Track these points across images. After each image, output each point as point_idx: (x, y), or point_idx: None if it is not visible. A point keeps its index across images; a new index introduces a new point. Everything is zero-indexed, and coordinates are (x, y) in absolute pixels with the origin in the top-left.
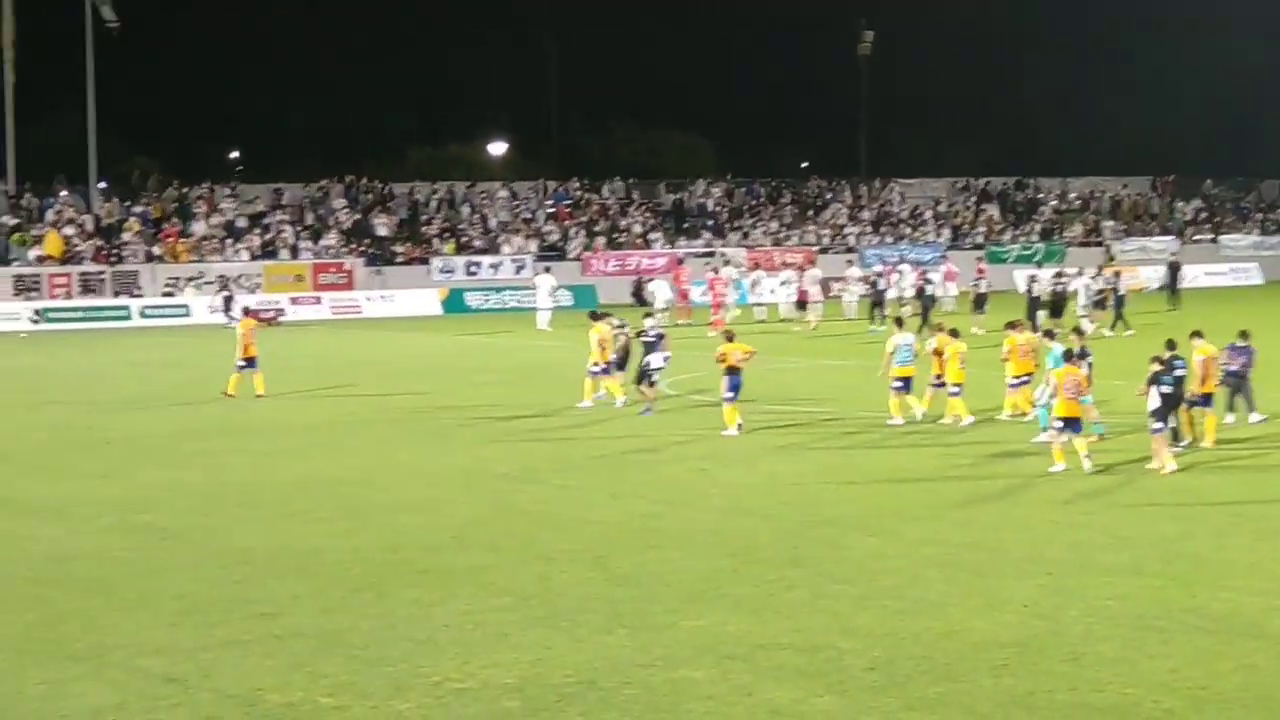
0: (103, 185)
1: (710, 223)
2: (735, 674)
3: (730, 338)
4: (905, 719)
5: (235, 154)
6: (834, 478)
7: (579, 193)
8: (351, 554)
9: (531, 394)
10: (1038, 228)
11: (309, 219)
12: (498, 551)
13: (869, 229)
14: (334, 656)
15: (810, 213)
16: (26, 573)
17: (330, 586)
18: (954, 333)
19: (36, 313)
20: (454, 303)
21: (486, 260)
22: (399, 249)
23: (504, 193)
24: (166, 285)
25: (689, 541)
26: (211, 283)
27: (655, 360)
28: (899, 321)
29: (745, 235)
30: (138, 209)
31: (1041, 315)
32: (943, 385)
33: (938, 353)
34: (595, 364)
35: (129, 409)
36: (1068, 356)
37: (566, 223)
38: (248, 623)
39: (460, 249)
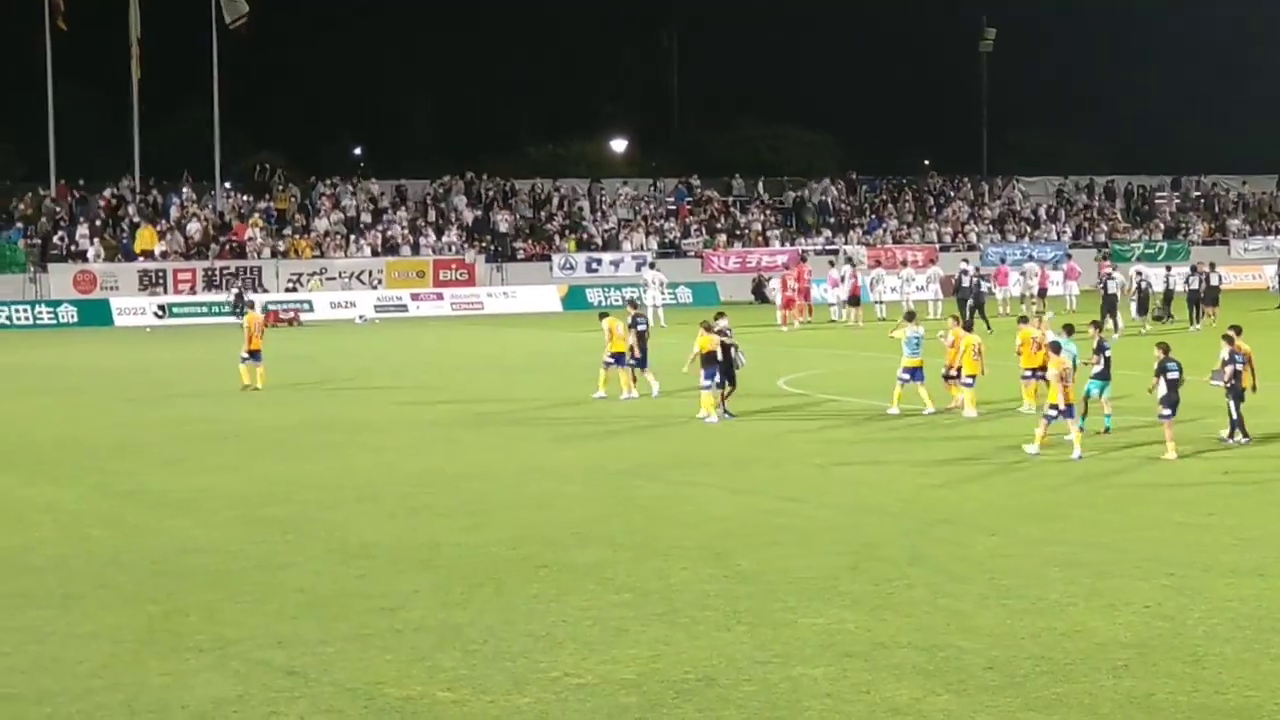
0: (227, 182)
1: (831, 220)
2: (854, 672)
3: (708, 329)
4: (1024, 719)
5: (358, 150)
6: (954, 476)
7: (699, 189)
8: (472, 549)
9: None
10: (1161, 226)
11: (431, 215)
12: (617, 547)
13: (990, 227)
14: (453, 651)
15: (931, 210)
16: (151, 564)
17: (450, 581)
18: (967, 326)
19: (160, 307)
20: (574, 299)
21: (607, 257)
22: (520, 245)
23: (625, 189)
24: (289, 280)
25: (809, 539)
26: (334, 278)
27: (740, 360)
28: (910, 315)
29: (866, 232)
30: (261, 204)
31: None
32: (956, 377)
33: (954, 345)
34: (610, 356)
35: (251, 402)
36: (1055, 349)
37: (687, 219)
38: (368, 617)
39: (581, 246)
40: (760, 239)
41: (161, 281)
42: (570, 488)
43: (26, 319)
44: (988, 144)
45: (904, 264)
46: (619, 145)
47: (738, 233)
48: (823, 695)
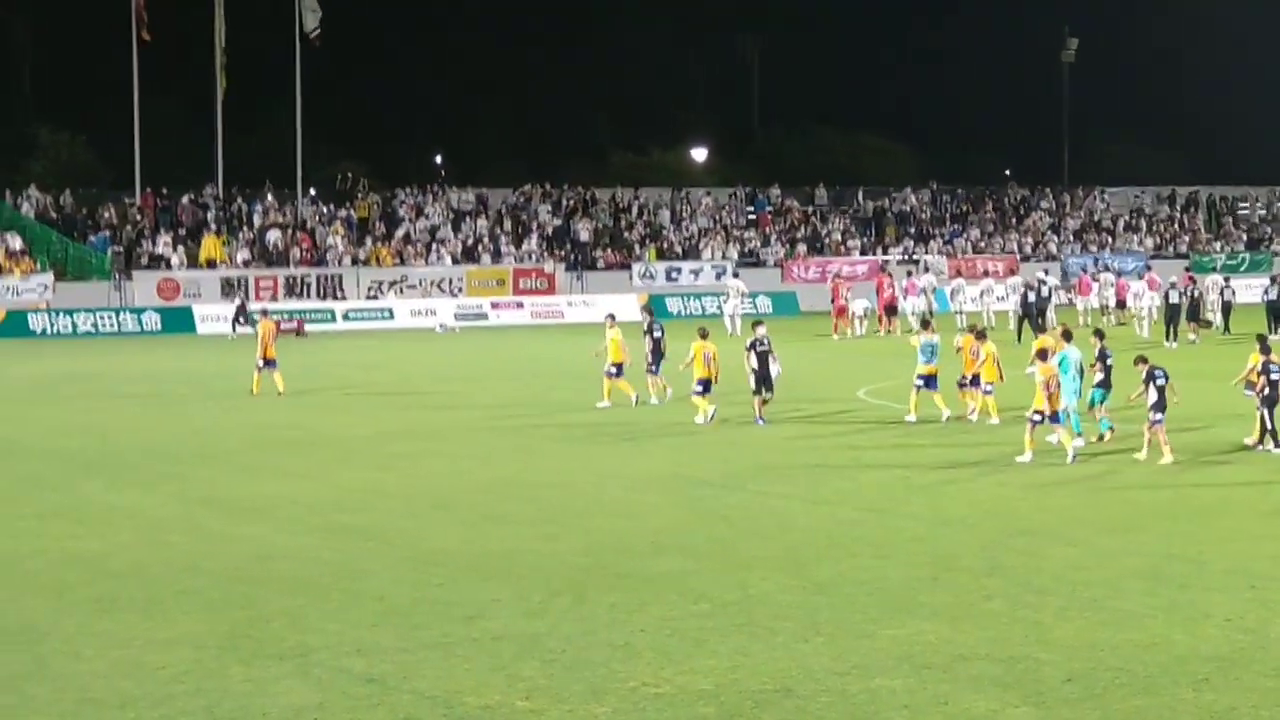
0: (309, 190)
1: (912, 230)
2: (932, 683)
3: (704, 336)
4: None
5: (439, 158)
6: (1032, 487)
7: (779, 199)
8: (550, 558)
9: (724, 400)
10: (1243, 237)
11: (511, 223)
12: (696, 557)
13: (1071, 237)
14: (532, 660)
15: (1012, 220)
16: (233, 571)
17: (529, 590)
18: (981, 333)
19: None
20: (655, 307)
21: (687, 266)
22: (600, 254)
23: (705, 198)
24: (370, 288)
25: (888, 550)
26: (414, 286)
27: (774, 369)
28: (925, 323)
29: (947, 242)
30: (343, 213)
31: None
32: (973, 384)
33: (960, 351)
34: (612, 365)
35: (330, 410)
36: (1042, 356)
37: (767, 229)
38: (447, 625)
39: (661, 255)
40: (840, 249)
41: (243, 288)
42: (648, 497)
43: (111, 326)
44: (1069, 154)
45: (984, 274)
46: (699, 154)
47: (818, 243)
48: (901, 707)
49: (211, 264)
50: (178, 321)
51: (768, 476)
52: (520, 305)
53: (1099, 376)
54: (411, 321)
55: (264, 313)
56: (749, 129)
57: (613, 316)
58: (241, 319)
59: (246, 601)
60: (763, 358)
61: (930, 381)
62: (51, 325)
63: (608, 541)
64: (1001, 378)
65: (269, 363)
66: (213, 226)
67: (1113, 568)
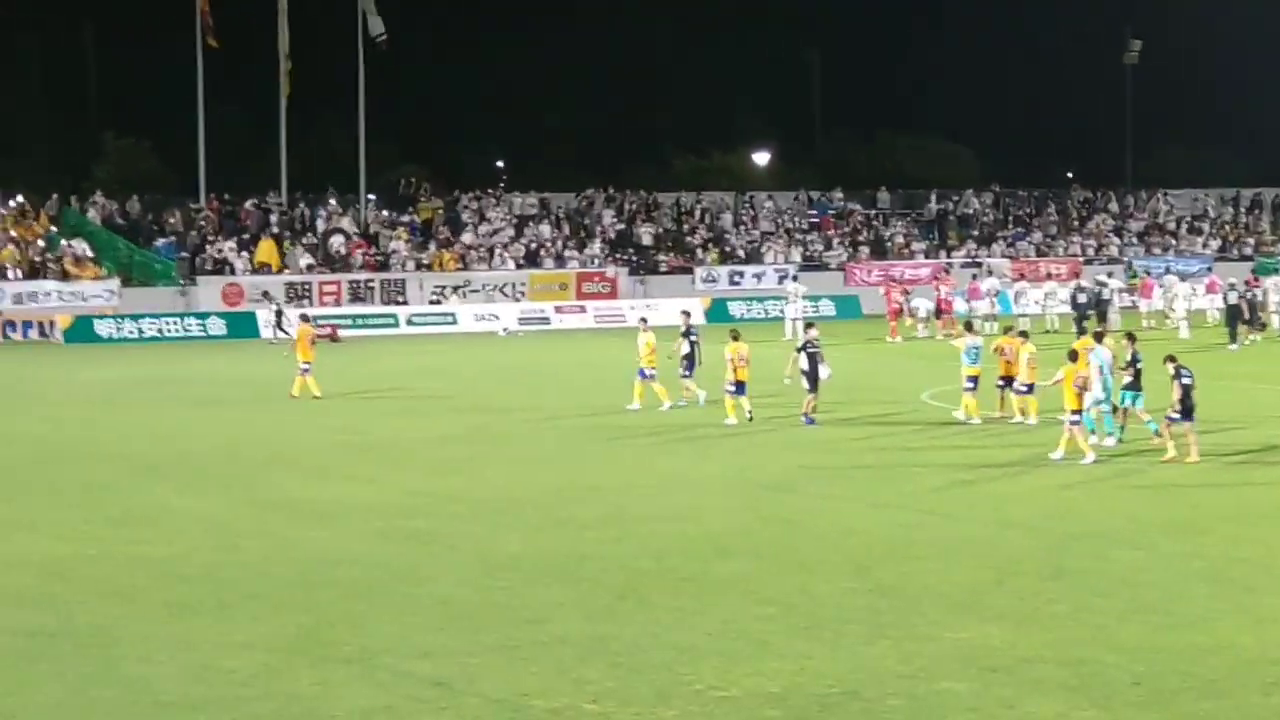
0: (372, 195)
1: (975, 233)
2: (998, 687)
3: (736, 338)
4: None
5: (502, 163)
6: (1095, 490)
7: (841, 202)
8: (614, 561)
9: (787, 403)
10: None
11: (574, 228)
12: (760, 560)
13: (1135, 240)
14: (598, 663)
15: (1075, 223)
16: (298, 575)
17: (594, 593)
18: (1023, 334)
19: (306, 320)
20: (717, 312)
21: (749, 270)
22: (662, 258)
23: (768, 202)
24: (433, 293)
25: (951, 552)
26: (477, 291)
27: (823, 372)
28: (969, 325)
29: (1009, 245)
30: (405, 218)
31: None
32: (1008, 385)
33: (998, 350)
34: (647, 368)
35: (395, 414)
36: (1072, 356)
37: (829, 232)
38: (513, 628)
39: (723, 258)
40: (903, 252)
41: (307, 294)
42: (711, 500)
43: (177, 331)
44: (1132, 156)
45: (1048, 277)
46: (761, 158)
47: (881, 246)
48: (967, 710)
49: (266, 268)
50: (242, 326)
51: (830, 479)
52: (583, 309)
53: (1128, 379)
54: (474, 326)
55: (303, 318)
56: (811, 132)
57: (645, 320)
58: (279, 325)
59: (313, 605)
60: (812, 359)
61: (974, 383)
62: (118, 330)
63: (671, 545)
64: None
65: (308, 366)
66: (276, 232)
67: (1177, 570)
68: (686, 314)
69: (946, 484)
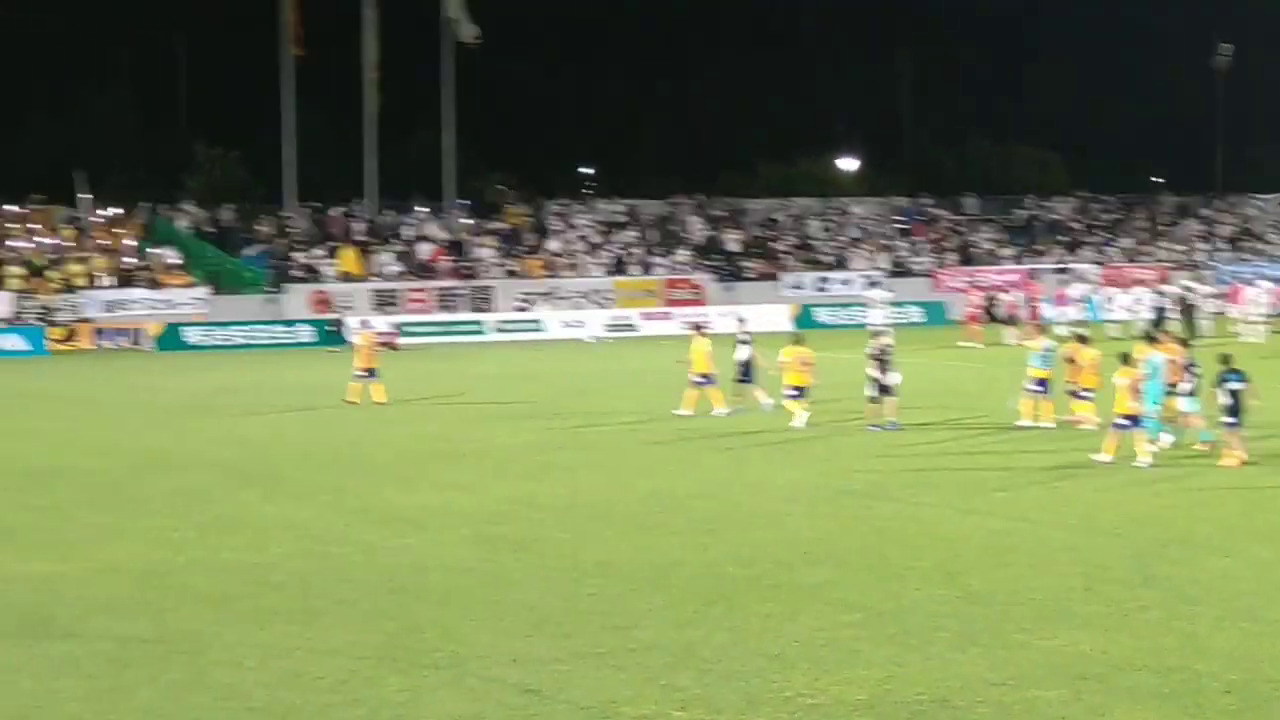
0: (460, 202)
1: (1063, 238)
2: (1089, 694)
3: (797, 341)
4: None
5: (589, 170)
6: (1184, 496)
7: (929, 208)
8: (704, 568)
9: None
10: None
11: (661, 235)
12: (849, 567)
13: (1224, 245)
14: (687, 670)
15: (1164, 228)
16: (388, 582)
17: (683, 600)
18: (1082, 339)
19: (394, 327)
20: (804, 319)
21: (837, 276)
22: (750, 265)
23: (855, 208)
24: (519, 300)
25: (1041, 559)
26: (564, 298)
27: (894, 377)
28: (1041, 328)
29: (1098, 251)
30: (493, 225)
31: None
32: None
33: (1069, 359)
34: (698, 375)
35: (483, 421)
36: (1125, 359)
37: (917, 238)
38: (601, 635)
39: (811, 265)
40: (990, 258)
41: (394, 302)
42: (800, 507)
43: (265, 338)
44: (1222, 161)
45: (1136, 283)
46: (849, 164)
47: (968, 252)
48: (1058, 718)
49: (350, 276)
50: (329, 334)
51: (918, 486)
52: (669, 316)
53: (1186, 386)
54: (561, 333)
55: (364, 323)
56: (898, 138)
57: (699, 326)
58: (339, 333)
59: (402, 612)
60: (883, 366)
61: (1044, 386)
62: (207, 338)
63: (760, 552)
64: (1101, 385)
65: (369, 373)
66: (363, 239)
67: (1269, 578)
68: (742, 320)
69: (1034, 490)
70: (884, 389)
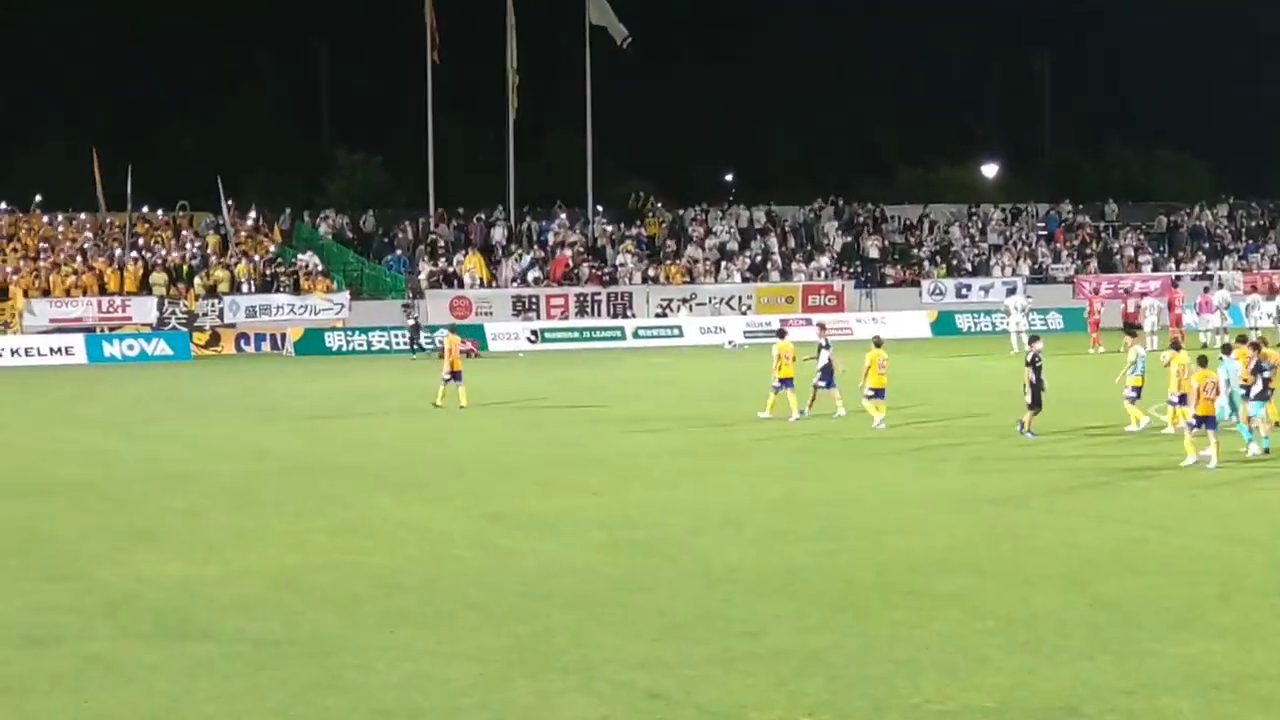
0: (600, 208)
1: (1206, 245)
2: (1220, 704)
3: (878, 344)
4: None
5: (729, 176)
6: None
7: (1070, 214)
8: (835, 575)
9: (1013, 417)
10: None
11: (801, 241)
12: (980, 574)
13: None
14: (815, 676)
15: None
16: (518, 586)
17: (812, 606)
18: (1175, 345)
19: (534, 333)
20: (943, 325)
21: (977, 283)
22: (889, 271)
23: (996, 214)
24: (659, 306)
25: (1174, 567)
26: (704, 304)
27: (1042, 383)
28: (1131, 334)
29: (1242, 257)
30: (633, 231)
31: None
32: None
33: (1166, 365)
34: (780, 380)
35: (619, 426)
36: (1202, 362)
37: (1058, 245)
38: (730, 640)
39: (951, 271)
40: (1132, 264)
41: (534, 307)
42: (932, 513)
43: (404, 343)
44: None
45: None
46: (989, 170)
47: (1110, 259)
48: None
49: (481, 282)
50: (469, 339)
51: (1053, 493)
52: (809, 322)
53: (1257, 388)
54: (700, 339)
55: (451, 329)
56: (1040, 144)
57: (783, 333)
58: (418, 341)
59: (531, 616)
60: (1039, 372)
61: (1140, 393)
62: (347, 343)
63: (891, 558)
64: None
65: (455, 375)
66: (504, 244)
67: None
68: (822, 326)
69: (1169, 497)
70: (1037, 396)
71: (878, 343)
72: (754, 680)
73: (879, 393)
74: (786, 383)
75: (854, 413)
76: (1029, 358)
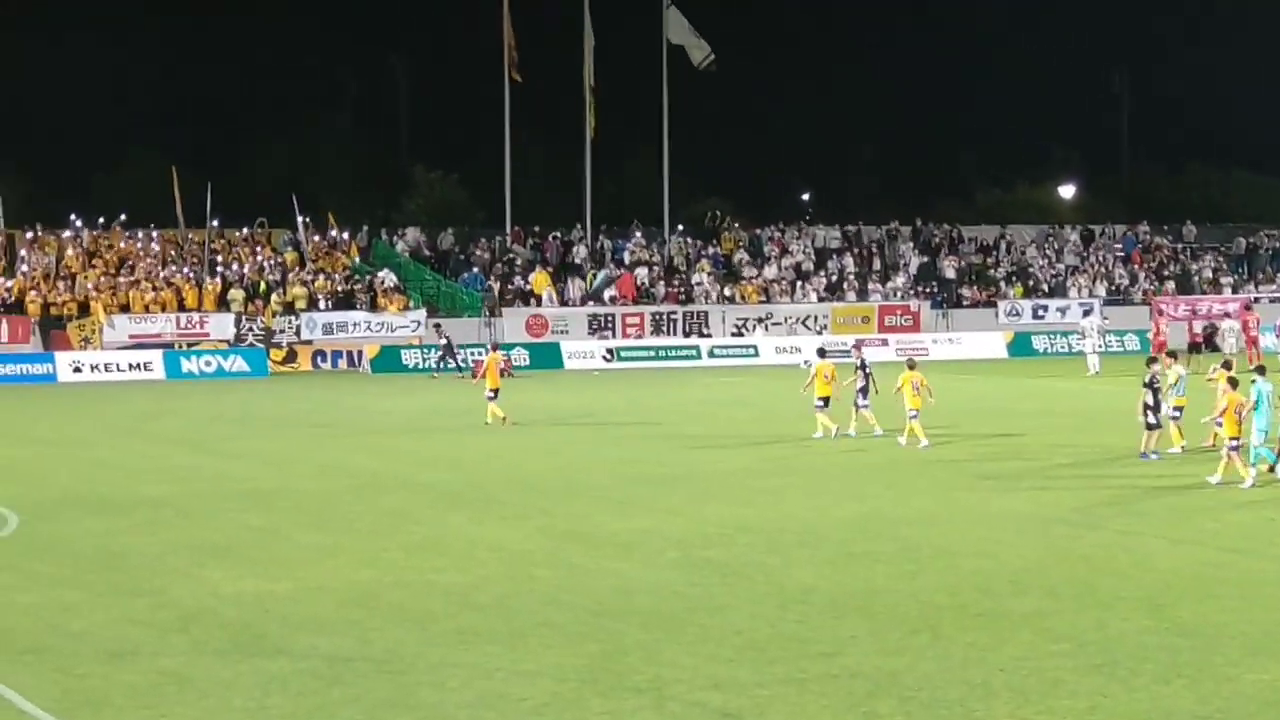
0: (677, 227)
1: None
2: None
3: (911, 367)
4: None
5: (806, 196)
6: None
7: (1148, 236)
8: (910, 596)
9: (1089, 438)
10: None
11: (878, 261)
12: (1055, 597)
13: None
14: (888, 698)
15: None
16: (592, 604)
17: (887, 627)
18: (1226, 365)
19: (609, 351)
20: (1019, 345)
21: (1054, 304)
22: (965, 291)
23: (1073, 236)
24: (735, 325)
25: (1253, 591)
26: (779, 323)
27: (1163, 407)
28: (1172, 354)
29: None
30: (709, 250)
31: None
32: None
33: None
34: (820, 399)
35: (696, 445)
36: (1233, 384)
37: (1135, 266)
38: (804, 661)
39: (1027, 292)
40: (1211, 286)
41: (610, 325)
42: (1008, 535)
43: (451, 363)
44: None
45: None
46: (1067, 191)
47: (1188, 280)
48: None
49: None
50: (546, 357)
51: (1129, 516)
52: (885, 342)
53: None
54: (776, 359)
55: (494, 346)
56: (1118, 165)
57: (823, 351)
58: (448, 359)
59: (605, 635)
60: (1156, 394)
61: (1181, 413)
62: (423, 360)
63: (967, 580)
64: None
65: (495, 393)
66: (579, 264)
67: None
68: (859, 345)
69: (1249, 522)
70: (1156, 416)
71: (911, 365)
72: (827, 701)
73: (917, 413)
74: (826, 402)
75: (890, 431)
76: (1146, 378)
